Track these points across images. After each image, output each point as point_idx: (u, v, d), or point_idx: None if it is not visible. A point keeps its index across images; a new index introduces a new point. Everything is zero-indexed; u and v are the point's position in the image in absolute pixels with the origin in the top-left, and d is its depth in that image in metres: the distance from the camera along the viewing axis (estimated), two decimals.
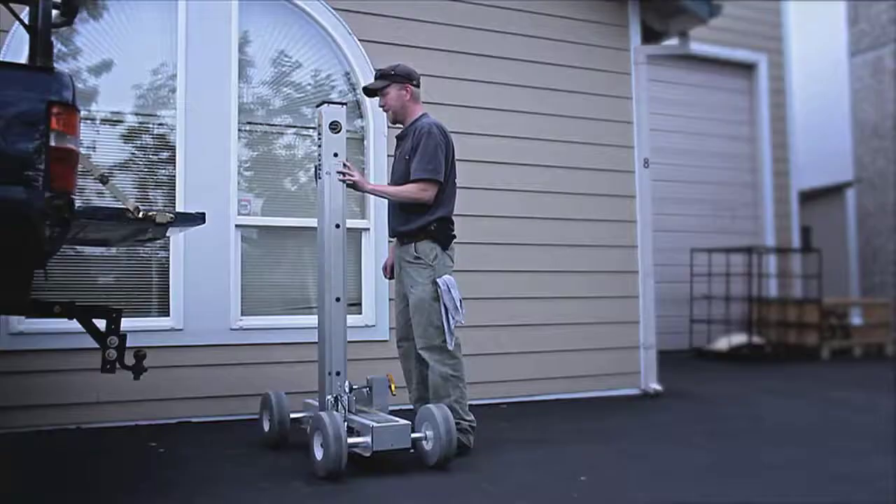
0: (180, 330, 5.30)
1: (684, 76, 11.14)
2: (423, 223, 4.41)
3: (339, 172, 4.25)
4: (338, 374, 4.21)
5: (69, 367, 4.93)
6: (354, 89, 5.95)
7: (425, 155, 4.37)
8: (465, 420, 4.42)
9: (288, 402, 4.58)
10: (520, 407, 6.01)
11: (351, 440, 3.85)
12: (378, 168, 5.88)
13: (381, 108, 4.70)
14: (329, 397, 4.17)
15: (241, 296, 5.49)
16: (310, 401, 4.53)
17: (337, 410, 4.10)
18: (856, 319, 11.15)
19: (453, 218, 4.58)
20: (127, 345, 3.60)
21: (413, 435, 4.02)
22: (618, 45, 6.96)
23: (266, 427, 4.60)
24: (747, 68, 11.72)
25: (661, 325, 7.22)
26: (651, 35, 7.25)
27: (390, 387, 4.47)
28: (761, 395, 7.02)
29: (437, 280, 4.35)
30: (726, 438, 5.13)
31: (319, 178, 4.31)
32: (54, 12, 3.26)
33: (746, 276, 10.26)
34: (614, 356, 6.73)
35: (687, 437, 5.17)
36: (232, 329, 5.42)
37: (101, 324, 3.60)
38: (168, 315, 5.32)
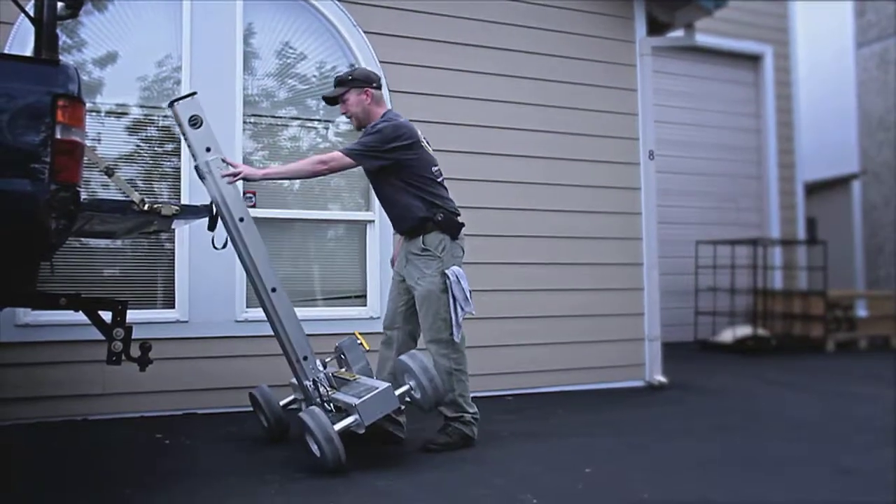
0: (185, 322, 5.31)
1: (690, 68, 11.10)
2: (426, 215, 4.34)
3: (223, 175, 4.06)
4: (305, 358, 4.18)
5: (75, 358, 4.95)
6: None
7: (365, 134, 4.28)
8: (469, 412, 4.43)
9: (274, 395, 4.60)
10: (524, 399, 6.01)
11: (341, 424, 3.83)
12: None
13: (343, 116, 4.56)
14: (307, 383, 4.15)
15: (247, 288, 5.49)
16: (294, 380, 4.45)
17: (319, 394, 4.08)
18: (861, 311, 11.14)
19: (458, 209, 4.53)
20: (133, 337, 3.61)
21: (398, 392, 4.00)
22: (623, 37, 6.94)
23: (265, 424, 4.60)
24: (753, 60, 11.67)
25: (665, 318, 7.21)
26: (656, 27, 7.23)
27: (361, 345, 4.45)
28: (766, 388, 7.02)
29: (446, 271, 4.30)
30: (731, 431, 5.13)
31: (203, 178, 4.06)
32: (59, 4, 3.27)
33: (751, 268, 10.24)
34: (619, 348, 6.73)
35: (692, 429, 5.17)
36: (237, 321, 5.43)
37: (106, 316, 3.61)
38: (173, 307, 5.34)
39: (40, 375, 4.94)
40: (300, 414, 3.88)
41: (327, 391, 4.10)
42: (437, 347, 4.37)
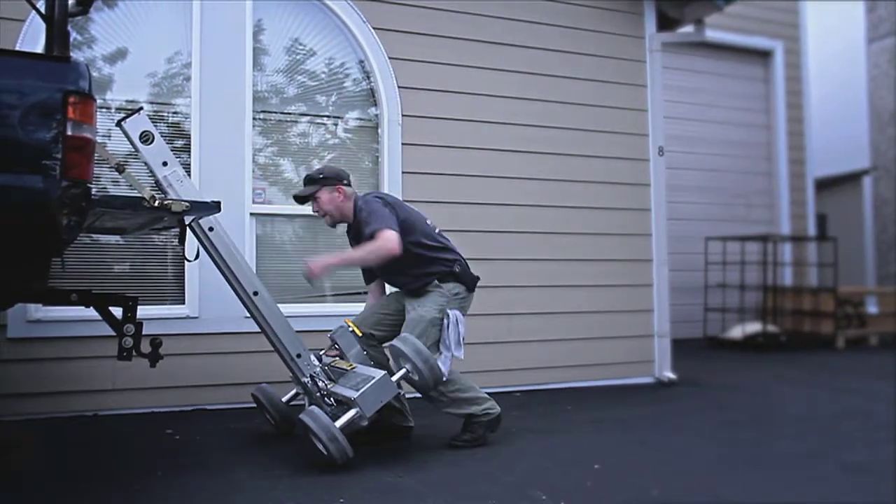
0: (196, 318, 5.33)
1: (700, 64, 11.06)
2: (443, 269, 4.34)
3: (305, 277, 4.13)
4: (298, 356, 4.17)
5: (86, 354, 4.98)
6: (369, 77, 5.96)
7: (367, 219, 4.23)
8: (471, 409, 4.38)
9: (276, 392, 4.62)
10: (533, 395, 6.01)
11: (343, 420, 3.82)
12: (392, 156, 5.88)
13: (315, 214, 4.48)
14: (305, 380, 4.15)
15: None
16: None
17: (318, 389, 4.08)
18: (871, 308, 11.09)
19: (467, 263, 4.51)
20: (143, 332, 3.63)
21: (395, 377, 4.00)
22: (633, 33, 6.92)
23: (272, 422, 4.62)
24: (763, 55, 11.62)
25: (675, 314, 7.21)
26: (666, 22, 7.20)
27: (354, 331, 4.44)
28: (776, 384, 7.00)
29: (448, 311, 4.26)
30: (741, 427, 5.12)
31: (165, 193, 3.89)
32: (70, 1, 3.27)
33: (761, 265, 10.21)
34: (628, 345, 6.73)
35: (701, 425, 5.17)
36: (247, 317, 5.40)
37: (117, 312, 3.63)
38: (183, 303, 5.36)
39: (51, 371, 4.97)
40: (301, 416, 3.86)
41: (325, 385, 4.10)
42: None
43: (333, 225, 4.51)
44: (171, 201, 3.57)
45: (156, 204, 3.49)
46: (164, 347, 3.79)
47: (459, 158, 6.12)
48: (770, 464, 4.13)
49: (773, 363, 8.40)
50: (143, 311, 3.75)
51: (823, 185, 13.16)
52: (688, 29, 7.34)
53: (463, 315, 4.38)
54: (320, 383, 4.11)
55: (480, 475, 3.83)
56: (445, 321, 4.26)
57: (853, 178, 14.26)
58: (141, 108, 3.98)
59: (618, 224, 6.73)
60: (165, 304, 5.38)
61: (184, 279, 5.37)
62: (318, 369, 4.18)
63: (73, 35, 4.96)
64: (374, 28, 5.90)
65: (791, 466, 4.11)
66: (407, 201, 5.67)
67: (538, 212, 6.39)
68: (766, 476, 3.90)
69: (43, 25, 3.35)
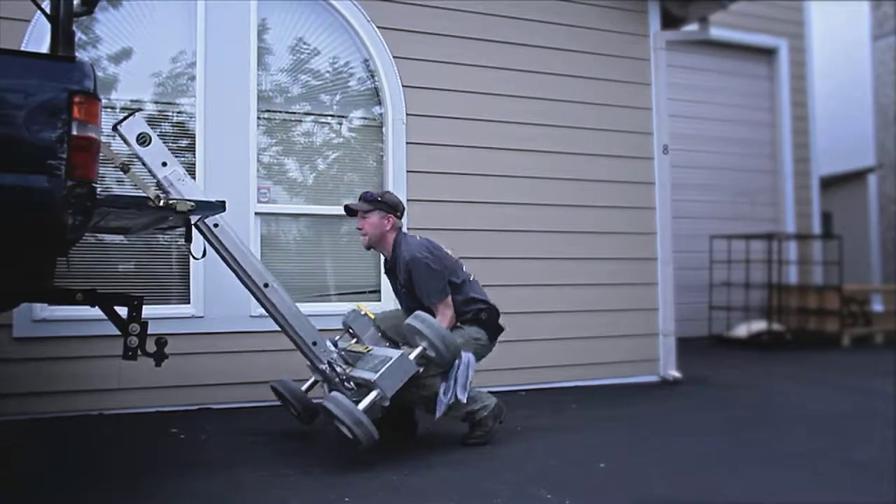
0: (201, 317, 5.34)
1: (704, 62, 11.04)
2: (470, 316, 4.39)
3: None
4: (314, 344, 4.20)
5: (91, 353, 4.99)
6: (373, 76, 5.96)
7: (426, 283, 4.29)
8: (473, 408, 4.36)
9: (295, 384, 4.66)
10: (538, 394, 6.01)
11: (365, 403, 3.84)
12: (396, 155, 5.88)
13: (357, 229, 4.52)
14: (323, 367, 4.18)
15: None
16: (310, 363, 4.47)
17: (337, 374, 4.11)
18: (877, 306, 11.05)
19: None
20: (148, 332, 3.63)
21: (413, 355, 3.99)
22: (637, 31, 6.92)
23: (294, 413, 4.64)
24: (768, 53, 11.59)
25: (680, 312, 7.19)
26: (670, 20, 7.19)
27: (366, 315, 4.48)
28: (781, 383, 6.99)
29: (462, 352, 4.20)
30: (746, 426, 5.12)
31: (167, 194, 3.82)
32: (75, 1, 3.27)
33: (766, 263, 10.19)
34: (633, 343, 6.72)
35: (706, 424, 5.16)
36: (252, 316, 5.44)
37: (122, 311, 3.63)
38: (188, 303, 5.37)
39: (57, 370, 4.98)
40: (324, 403, 3.88)
41: (344, 370, 4.14)
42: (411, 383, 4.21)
43: (368, 248, 4.55)
44: (175, 201, 3.57)
45: (160, 203, 3.49)
46: (169, 347, 3.80)
47: (464, 157, 6.12)
48: (775, 462, 4.13)
49: (778, 361, 8.39)
50: (148, 311, 3.75)
51: (828, 182, 13.13)
52: (692, 27, 7.34)
53: (476, 361, 4.32)
54: (338, 368, 4.15)
55: (486, 474, 3.83)
56: (457, 361, 4.18)
57: (858, 176, 14.22)
58: (136, 111, 3.98)
59: (622, 222, 6.72)
60: (171, 304, 5.38)
61: (189, 278, 5.37)
62: (335, 355, 4.22)
63: (78, 35, 4.95)
64: (378, 27, 5.90)
65: (796, 465, 4.10)
66: (411, 200, 5.71)
67: (542, 210, 6.39)
68: (772, 474, 3.90)
69: (48, 25, 3.34)
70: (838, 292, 10.08)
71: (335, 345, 4.34)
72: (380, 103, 6.00)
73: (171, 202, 3.54)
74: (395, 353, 3.97)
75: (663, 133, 6.90)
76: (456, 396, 4.15)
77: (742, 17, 10.63)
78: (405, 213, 4.62)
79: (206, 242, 4.11)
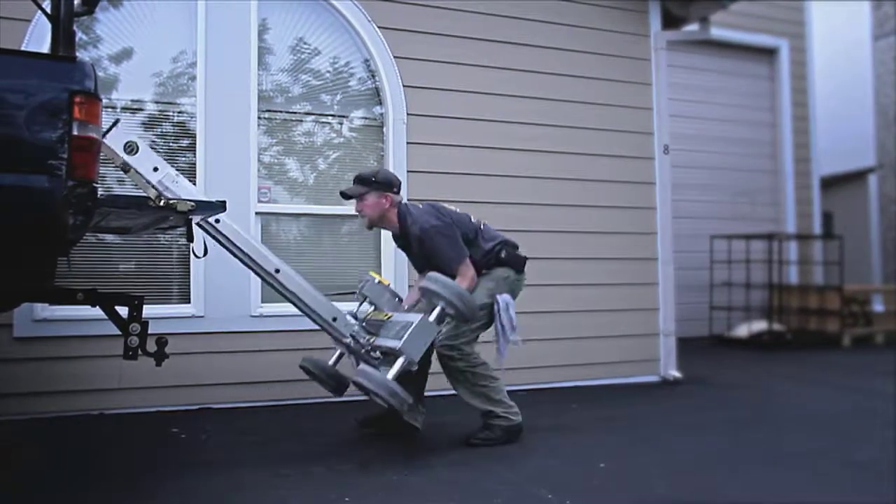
0: (201, 317, 5.34)
1: (705, 62, 11.04)
2: (488, 259, 4.40)
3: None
4: (334, 319, 4.24)
5: (92, 353, 4.99)
6: (374, 76, 5.96)
7: (442, 250, 4.31)
8: (499, 409, 4.39)
9: (321, 360, 4.70)
10: (539, 394, 6.01)
11: (394, 371, 3.85)
12: (396, 156, 5.88)
13: (356, 212, 4.54)
14: (346, 340, 4.22)
15: (262, 283, 5.50)
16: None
17: (361, 346, 4.17)
18: (878, 306, 11.04)
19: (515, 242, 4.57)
20: (149, 332, 3.63)
21: (432, 317, 3.99)
22: (637, 31, 6.92)
23: (328, 388, 4.68)
24: (768, 53, 11.59)
25: (680, 312, 7.19)
26: (671, 20, 7.19)
27: (380, 282, 4.52)
28: (781, 383, 6.99)
29: (497, 296, 4.29)
30: (746, 426, 5.12)
31: (166, 200, 3.72)
32: (76, 1, 3.28)
33: (767, 263, 10.19)
34: (633, 343, 6.72)
35: (706, 424, 5.16)
36: (252, 316, 5.45)
37: (123, 311, 3.63)
38: (189, 302, 5.37)
39: (57, 370, 4.98)
40: (354, 379, 3.90)
41: (368, 340, 4.18)
42: (445, 351, 4.30)
43: (370, 227, 4.58)
44: (176, 201, 3.57)
45: (161, 203, 3.49)
46: (169, 346, 3.79)
47: (465, 157, 6.12)
48: (776, 462, 4.13)
49: (779, 362, 8.39)
50: (148, 311, 3.74)
51: (829, 183, 13.13)
52: (693, 27, 7.34)
53: (513, 299, 4.41)
54: (362, 340, 4.20)
55: (486, 474, 3.83)
56: (496, 307, 4.30)
57: (859, 176, 14.22)
58: (118, 121, 3.93)
59: (623, 222, 6.72)
60: (171, 304, 5.38)
61: (189, 278, 5.38)
62: (357, 327, 4.27)
63: (79, 35, 4.95)
64: (379, 27, 5.90)
65: (796, 465, 4.10)
66: (412, 200, 5.70)
67: (543, 210, 6.39)
68: (772, 474, 3.90)
69: (49, 25, 3.34)
70: (839, 292, 10.08)
71: (355, 317, 4.38)
72: (380, 103, 6.00)
73: (171, 202, 3.54)
74: (415, 318, 3.98)
75: (664, 133, 6.90)
76: (509, 338, 4.30)
77: (743, 17, 10.63)
78: (402, 187, 4.61)
79: (206, 240, 4.11)
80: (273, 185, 5.74)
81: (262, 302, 5.49)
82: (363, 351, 4.19)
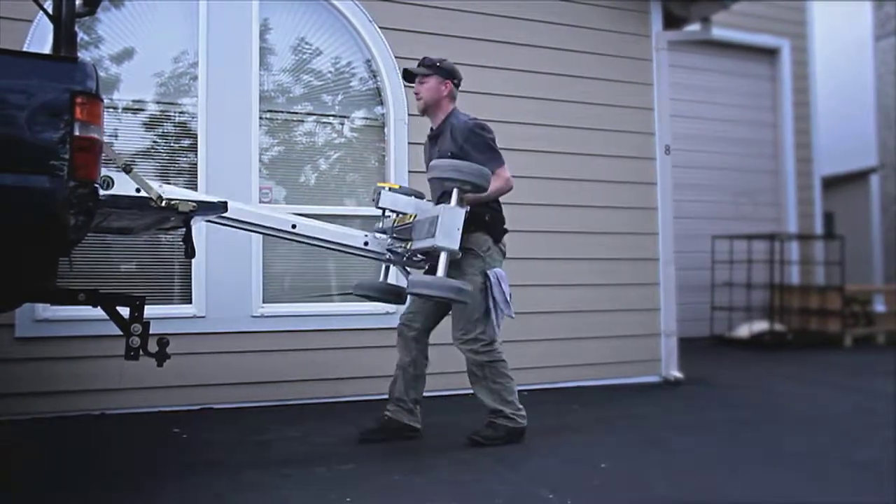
0: (202, 317, 5.34)
1: (706, 62, 11.03)
2: (475, 214, 4.24)
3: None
4: (365, 244, 4.33)
5: (93, 353, 4.99)
6: (375, 76, 5.96)
7: (487, 148, 4.29)
8: (507, 410, 4.38)
9: (371, 281, 4.84)
10: (540, 394, 6.00)
11: (442, 267, 3.83)
12: (398, 156, 5.89)
13: (414, 94, 4.55)
14: (387, 256, 4.36)
15: (263, 283, 5.52)
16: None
17: (401, 256, 4.30)
18: (879, 306, 11.04)
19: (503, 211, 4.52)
20: (150, 332, 3.63)
21: (452, 202, 3.89)
22: (639, 31, 6.91)
23: (390, 301, 4.73)
24: (770, 53, 11.58)
25: (681, 313, 7.19)
26: (672, 20, 7.19)
27: (391, 189, 4.53)
28: (783, 383, 6.99)
29: (488, 272, 4.26)
30: (747, 426, 5.12)
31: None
32: (77, 2, 3.28)
33: (768, 263, 10.19)
34: (635, 343, 6.72)
35: (708, 424, 5.16)
36: (253, 316, 5.45)
37: (124, 311, 3.63)
38: (190, 303, 5.37)
39: (58, 370, 4.99)
40: (411, 291, 3.82)
41: (405, 248, 4.23)
42: (466, 346, 4.30)
43: (423, 112, 4.56)
44: (177, 201, 3.57)
45: (163, 204, 3.49)
46: (171, 346, 3.79)
47: None
48: (776, 462, 4.13)
49: (780, 362, 8.39)
50: (150, 311, 3.74)
51: (830, 183, 13.12)
52: (694, 27, 7.33)
53: (502, 270, 4.35)
54: (399, 250, 4.25)
55: (487, 474, 3.83)
56: (488, 283, 4.25)
57: (860, 176, 14.21)
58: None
59: (624, 223, 6.72)
60: (173, 304, 5.39)
61: (191, 278, 5.38)
62: (389, 240, 4.33)
63: (81, 35, 4.96)
64: (380, 27, 5.90)
65: (797, 465, 4.10)
66: None
67: (544, 210, 6.38)
68: (772, 474, 3.90)
69: (50, 26, 3.35)
70: (840, 293, 10.07)
71: (383, 231, 4.41)
72: (381, 103, 6.00)
73: (173, 203, 3.54)
74: (438, 210, 3.92)
75: (665, 133, 6.90)
76: (503, 312, 4.27)
77: (744, 18, 10.62)
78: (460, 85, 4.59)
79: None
80: (274, 185, 5.74)
81: (264, 302, 5.49)
82: (405, 259, 4.28)
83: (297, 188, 5.89)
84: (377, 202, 4.50)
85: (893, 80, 14.47)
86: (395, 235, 4.35)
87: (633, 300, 6.72)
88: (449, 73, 4.48)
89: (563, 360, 6.37)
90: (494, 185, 4.19)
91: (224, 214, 4.03)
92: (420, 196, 4.58)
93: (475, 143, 4.28)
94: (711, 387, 6.69)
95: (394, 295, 4.63)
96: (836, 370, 7.97)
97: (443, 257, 3.85)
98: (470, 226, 4.10)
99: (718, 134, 11.16)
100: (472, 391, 4.42)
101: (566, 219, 6.47)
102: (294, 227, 4.18)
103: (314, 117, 5.94)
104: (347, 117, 6.01)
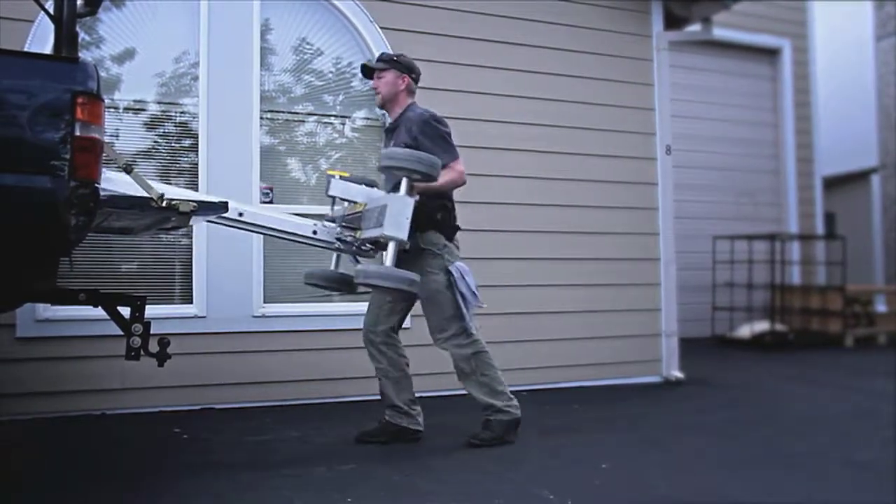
0: (203, 317, 5.34)
1: (707, 62, 11.03)
2: (427, 212, 4.17)
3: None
4: (314, 232, 4.26)
5: (94, 353, 4.99)
6: None
7: (441, 140, 4.28)
8: (499, 403, 4.37)
9: (322, 269, 4.74)
10: (541, 394, 6.00)
11: (389, 258, 3.75)
12: None
13: (372, 89, 4.57)
14: (335, 245, 4.26)
15: (264, 283, 5.52)
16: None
17: (350, 245, 4.20)
18: (880, 307, 11.03)
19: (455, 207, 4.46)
20: (151, 332, 3.63)
21: (402, 191, 3.83)
22: (640, 32, 6.91)
23: (340, 292, 4.73)
24: (771, 53, 11.58)
25: (682, 313, 7.19)
26: (673, 21, 7.18)
27: (341, 177, 4.48)
28: (784, 383, 6.99)
29: (450, 268, 4.23)
30: (748, 427, 5.11)
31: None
32: (79, 2, 3.28)
33: (769, 263, 10.18)
34: (636, 344, 6.72)
35: (708, 425, 5.16)
36: (254, 316, 5.45)
37: (125, 311, 3.63)
38: (191, 302, 5.37)
39: (59, 370, 4.99)
40: (358, 280, 3.73)
41: (354, 237, 4.19)
42: (448, 343, 4.31)
43: (380, 106, 4.59)
44: (178, 201, 3.57)
45: (163, 204, 3.49)
46: (172, 347, 3.79)
47: (466, 157, 6.08)
48: (778, 463, 4.13)
49: (781, 362, 8.39)
50: (151, 311, 3.75)
51: (831, 183, 13.11)
52: (695, 27, 7.33)
53: (463, 264, 4.29)
54: (348, 239, 4.20)
55: (488, 474, 3.83)
56: (452, 278, 4.21)
57: (861, 177, 14.20)
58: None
59: (625, 223, 6.72)
60: (173, 304, 5.39)
61: (191, 278, 5.38)
62: (338, 229, 4.27)
63: (82, 35, 4.97)
64: (381, 28, 5.90)
65: (799, 466, 4.10)
66: None
67: (544, 210, 6.38)
68: (772, 474, 3.90)
69: (51, 26, 3.35)
70: (841, 293, 10.07)
71: (333, 220, 4.37)
72: None
73: (173, 203, 3.54)
74: (387, 199, 3.88)
75: (666, 133, 6.90)
76: (472, 304, 4.24)
77: (745, 18, 10.61)
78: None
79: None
80: (275, 185, 5.74)
81: (265, 302, 5.49)
82: (354, 248, 4.20)
83: (298, 188, 5.89)
84: (327, 191, 4.47)
85: (894, 80, 14.46)
86: (344, 224, 4.30)
87: (634, 300, 6.72)
88: (407, 68, 4.49)
89: (563, 361, 6.37)
90: (447, 177, 4.18)
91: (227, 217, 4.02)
92: (372, 184, 4.52)
93: (429, 135, 4.27)
94: (712, 387, 6.69)
95: (344, 284, 4.56)
96: (837, 370, 7.97)
97: (391, 247, 3.79)
98: (421, 225, 4.11)
99: (719, 134, 11.15)
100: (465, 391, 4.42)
101: (566, 219, 6.47)
102: (241, 214, 4.10)
103: (315, 117, 5.94)
104: (348, 117, 6.01)
